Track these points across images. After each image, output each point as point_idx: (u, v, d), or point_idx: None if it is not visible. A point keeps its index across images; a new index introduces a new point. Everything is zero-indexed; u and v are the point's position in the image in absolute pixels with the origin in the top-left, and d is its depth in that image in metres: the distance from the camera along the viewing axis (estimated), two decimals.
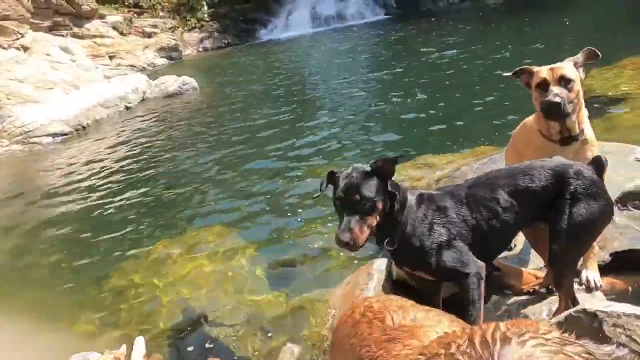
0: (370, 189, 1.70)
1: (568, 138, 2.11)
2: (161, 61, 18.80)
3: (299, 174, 5.22)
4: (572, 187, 1.71)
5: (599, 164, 1.78)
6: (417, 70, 9.14)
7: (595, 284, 2.06)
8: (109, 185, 6.04)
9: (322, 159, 5.53)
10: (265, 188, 5.06)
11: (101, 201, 5.57)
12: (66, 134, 8.80)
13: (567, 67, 2.04)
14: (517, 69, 2.23)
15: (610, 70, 6.38)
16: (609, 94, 5.56)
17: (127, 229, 4.68)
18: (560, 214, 1.71)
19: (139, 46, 19.04)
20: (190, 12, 21.60)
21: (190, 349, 2.78)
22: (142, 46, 19.22)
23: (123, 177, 6.27)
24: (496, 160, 3.77)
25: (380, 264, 2.96)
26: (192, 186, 5.52)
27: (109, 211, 5.23)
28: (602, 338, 1.44)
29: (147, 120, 9.23)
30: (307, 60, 13.63)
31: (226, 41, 20.92)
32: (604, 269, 2.66)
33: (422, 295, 2.61)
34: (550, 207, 1.75)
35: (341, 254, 3.42)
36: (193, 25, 21.32)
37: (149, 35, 20.03)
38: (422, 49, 11.22)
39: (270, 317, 2.95)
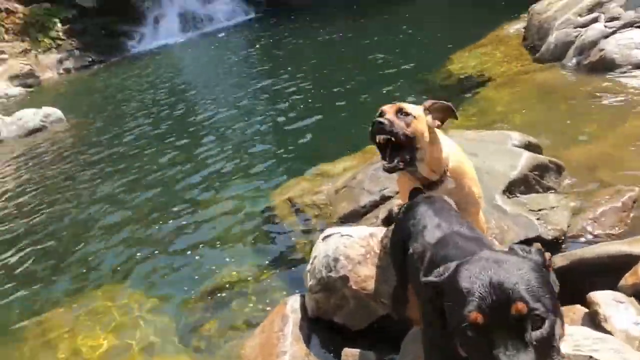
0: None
1: (431, 184, 2.07)
2: (16, 90, 16.69)
3: (187, 210, 4.79)
4: None
5: None
6: (294, 72, 9.01)
7: None
8: None
9: (209, 188, 5.14)
10: (150, 231, 4.56)
11: None
12: None
13: (410, 105, 2.02)
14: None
15: (470, 50, 6.81)
16: (472, 74, 5.91)
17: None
18: None
19: None
20: (42, 31, 19.41)
21: None
22: None
23: None
24: None
25: (293, 303, 2.77)
26: (72, 240, 4.86)
27: None
28: None
29: (7, 165, 8.05)
30: (181, 73, 12.90)
31: (90, 59, 19.16)
32: None
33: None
34: None
35: (250, 303, 3.16)
36: (48, 45, 19.19)
37: None
38: (296, 49, 11.18)
39: None
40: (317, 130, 5.87)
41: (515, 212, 2.90)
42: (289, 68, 9.36)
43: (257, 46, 13.00)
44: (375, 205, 3.51)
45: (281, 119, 6.66)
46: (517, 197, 3.07)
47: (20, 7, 19.70)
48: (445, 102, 2.07)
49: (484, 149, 3.45)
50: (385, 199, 3.50)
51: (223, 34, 16.96)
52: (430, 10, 11.42)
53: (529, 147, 3.46)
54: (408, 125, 1.95)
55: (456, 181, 2.10)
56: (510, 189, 3.09)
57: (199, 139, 6.83)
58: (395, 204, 3.33)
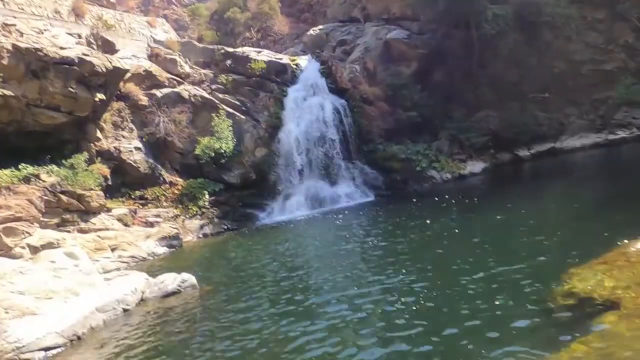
0: None
1: None
2: (162, 250, 19.28)
3: None
4: None
5: None
6: (407, 265, 9.40)
7: None
8: None
9: None
10: None
11: None
12: (60, 346, 8.57)
13: None
14: None
15: (593, 267, 6.63)
16: (596, 297, 5.68)
17: None
18: None
19: (140, 236, 19.73)
20: (192, 200, 22.96)
21: None
22: (144, 236, 19.93)
23: None
24: None
25: None
26: None
27: None
28: None
29: (145, 326, 9.10)
30: (300, 250, 14.04)
31: (225, 226, 21.81)
32: None
33: None
34: None
35: None
36: (194, 212, 22.47)
37: (152, 225, 20.96)
38: (409, 236, 11.74)
39: None
40: (426, 340, 5.91)
41: None
42: (401, 259, 9.80)
43: (373, 231, 13.89)
44: None
45: (388, 320, 6.83)
46: None
47: (180, 181, 23.90)
48: None
49: None
50: None
51: (344, 214, 18.46)
52: (549, 215, 11.50)
53: None
54: None
55: None
56: None
57: (305, 326, 7.24)
58: None
